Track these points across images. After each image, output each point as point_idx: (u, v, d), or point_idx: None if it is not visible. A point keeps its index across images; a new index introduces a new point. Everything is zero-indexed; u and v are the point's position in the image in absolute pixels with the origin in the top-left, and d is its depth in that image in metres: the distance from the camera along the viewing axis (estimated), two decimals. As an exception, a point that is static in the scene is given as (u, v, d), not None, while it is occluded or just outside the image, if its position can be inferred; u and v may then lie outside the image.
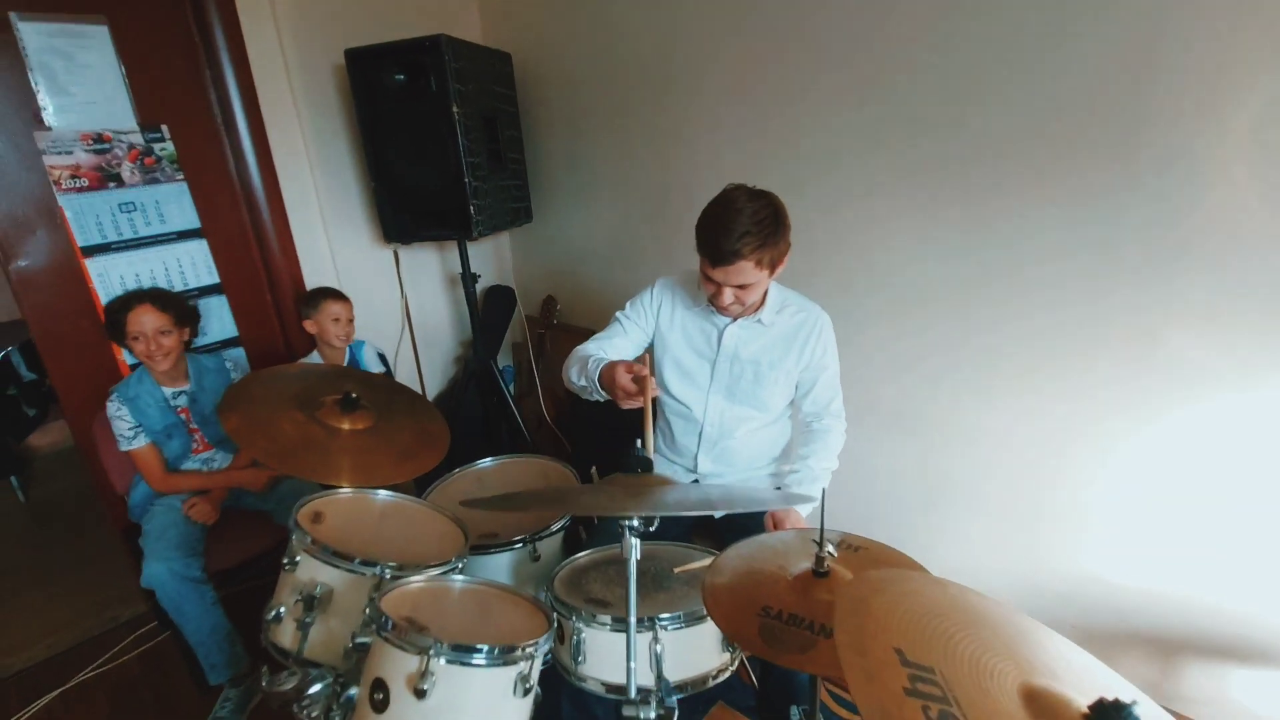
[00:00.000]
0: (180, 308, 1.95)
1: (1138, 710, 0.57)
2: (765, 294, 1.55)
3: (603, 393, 1.45)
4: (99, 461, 2.05)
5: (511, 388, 2.87)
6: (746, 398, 1.63)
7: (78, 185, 2.00)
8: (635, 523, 0.94)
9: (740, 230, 1.34)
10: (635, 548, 0.93)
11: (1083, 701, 0.62)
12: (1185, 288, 1.41)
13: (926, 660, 0.63)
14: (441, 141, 2.18)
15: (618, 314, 1.70)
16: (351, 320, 2.30)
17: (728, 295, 1.44)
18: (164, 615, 1.82)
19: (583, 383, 1.51)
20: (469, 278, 2.54)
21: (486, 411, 2.71)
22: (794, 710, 1.21)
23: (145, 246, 2.16)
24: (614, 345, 1.65)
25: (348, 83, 2.24)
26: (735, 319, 1.57)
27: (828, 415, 1.66)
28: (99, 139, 2.03)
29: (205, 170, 2.25)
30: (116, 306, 1.88)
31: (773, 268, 1.42)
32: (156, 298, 1.90)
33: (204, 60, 2.18)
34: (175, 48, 2.14)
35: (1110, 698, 0.60)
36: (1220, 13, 1.25)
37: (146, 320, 1.85)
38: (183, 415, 1.98)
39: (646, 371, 1.31)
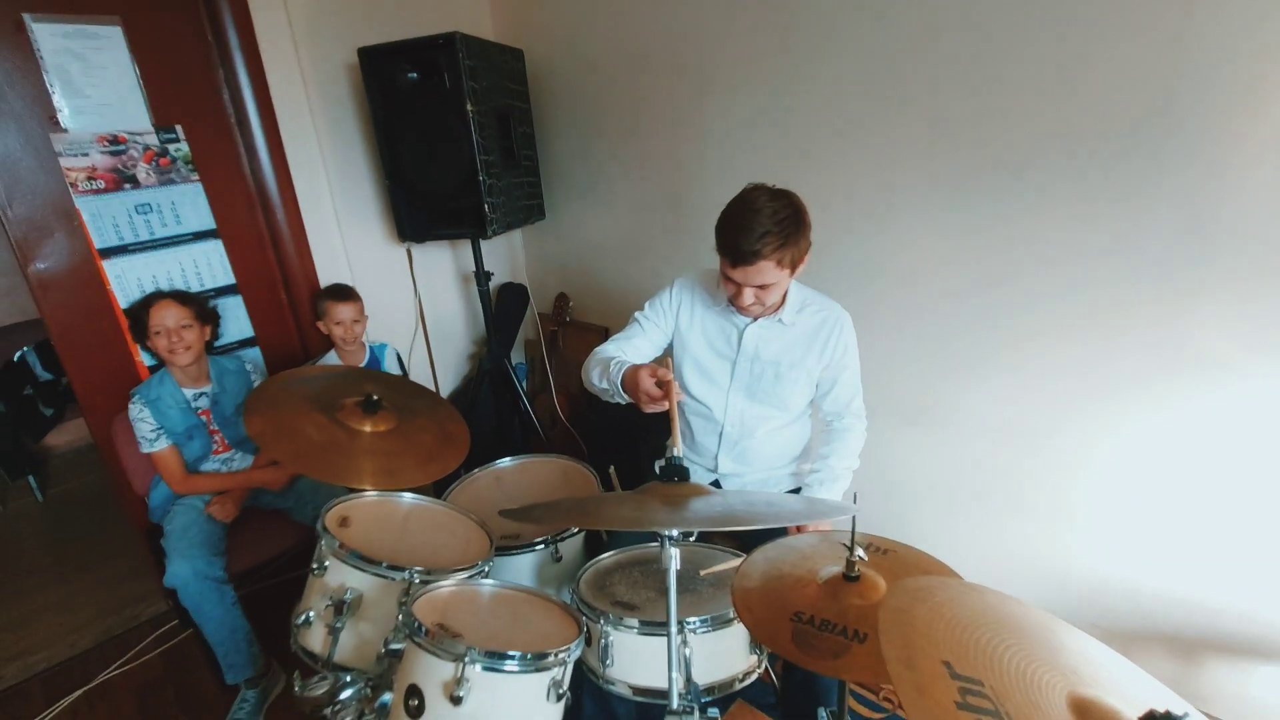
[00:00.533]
0: (201, 305, 1.99)
1: (1190, 723, 0.58)
2: (786, 293, 1.54)
3: (625, 396, 1.44)
4: (119, 463, 2.06)
5: (524, 385, 2.87)
6: (767, 397, 1.62)
7: (94, 187, 2.00)
8: (674, 533, 0.93)
9: (761, 230, 1.33)
10: (675, 558, 0.93)
11: (1132, 713, 0.62)
12: (1213, 287, 1.40)
13: (974, 673, 0.63)
14: (455, 139, 2.17)
15: (636, 314, 1.69)
16: (357, 320, 2.26)
17: (748, 295, 1.43)
18: (186, 613, 1.83)
19: (604, 385, 1.50)
20: (482, 276, 2.53)
21: (500, 409, 2.72)
22: (821, 712, 1.21)
23: (162, 248, 2.16)
24: (634, 346, 1.64)
25: (361, 81, 2.23)
26: (756, 319, 1.56)
27: (848, 414, 1.66)
28: (114, 140, 2.02)
29: (220, 170, 2.24)
30: (138, 305, 1.93)
31: (793, 267, 1.41)
32: (177, 295, 1.96)
33: (217, 60, 2.17)
34: (189, 47, 2.13)
35: (1161, 709, 0.60)
36: (1249, 12, 1.23)
37: (168, 314, 1.88)
38: (204, 417, 1.98)
39: (670, 376, 1.29)
